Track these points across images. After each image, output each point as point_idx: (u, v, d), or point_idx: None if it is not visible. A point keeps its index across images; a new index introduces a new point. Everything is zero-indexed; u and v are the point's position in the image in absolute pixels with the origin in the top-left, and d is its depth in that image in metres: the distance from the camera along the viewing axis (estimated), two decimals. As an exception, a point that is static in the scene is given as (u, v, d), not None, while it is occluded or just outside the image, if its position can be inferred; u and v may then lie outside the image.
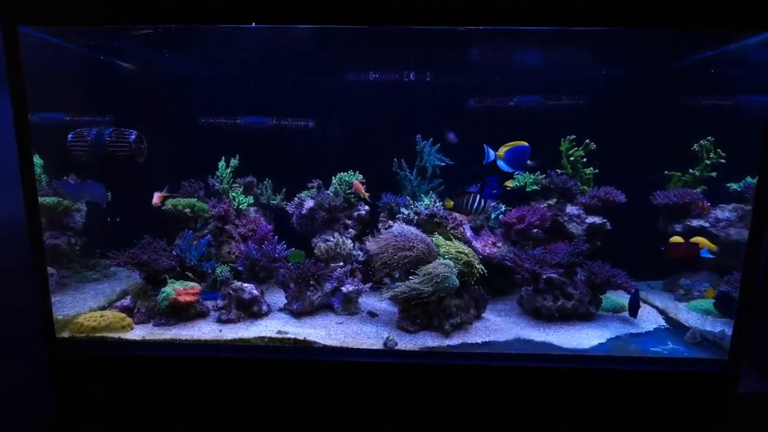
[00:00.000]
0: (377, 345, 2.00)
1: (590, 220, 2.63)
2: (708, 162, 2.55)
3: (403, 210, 2.50)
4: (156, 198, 2.38)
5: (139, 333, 2.08)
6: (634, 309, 2.23)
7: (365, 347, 1.99)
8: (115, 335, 2.05)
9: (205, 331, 2.11)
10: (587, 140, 2.66)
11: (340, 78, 2.83)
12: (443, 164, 2.68)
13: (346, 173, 2.66)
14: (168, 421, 1.92)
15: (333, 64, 2.79)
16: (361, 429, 1.90)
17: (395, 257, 2.09)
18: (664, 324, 2.30)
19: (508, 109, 2.87)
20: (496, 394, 1.87)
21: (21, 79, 1.81)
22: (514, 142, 2.19)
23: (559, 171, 2.74)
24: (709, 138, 2.55)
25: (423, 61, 2.79)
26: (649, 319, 2.35)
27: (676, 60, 2.53)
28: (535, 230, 2.60)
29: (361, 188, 2.53)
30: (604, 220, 2.62)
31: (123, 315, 2.12)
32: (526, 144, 2.18)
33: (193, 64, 2.58)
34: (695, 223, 2.51)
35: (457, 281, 2.04)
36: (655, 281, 2.79)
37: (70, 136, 2.26)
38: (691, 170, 2.60)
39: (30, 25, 1.86)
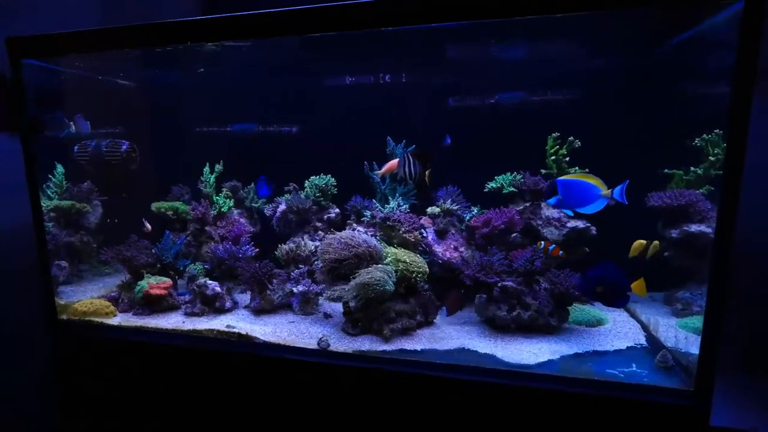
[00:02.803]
0: (315, 345, 2.04)
1: (572, 224, 2.40)
2: (713, 158, 2.19)
3: (366, 213, 2.51)
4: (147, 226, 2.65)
5: (117, 320, 2.35)
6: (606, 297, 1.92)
7: (300, 346, 2.04)
8: (99, 320, 2.34)
9: (170, 321, 2.31)
10: (570, 137, 2.44)
11: (323, 84, 2.91)
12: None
13: (317, 177, 2.73)
14: (121, 400, 2.16)
15: (314, 70, 2.87)
16: (274, 424, 1.96)
17: (336, 260, 2.12)
18: (643, 343, 2.03)
19: (492, 107, 2.73)
20: (415, 404, 1.81)
21: (23, 100, 2.18)
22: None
23: (543, 171, 2.55)
24: (717, 131, 2.19)
25: (406, 62, 2.77)
26: (626, 336, 2.09)
27: (668, 42, 2.22)
28: (513, 235, 2.45)
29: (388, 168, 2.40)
30: (588, 224, 2.38)
31: (108, 303, 2.41)
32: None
33: (184, 80, 2.85)
34: (694, 228, 2.17)
35: (392, 286, 2.01)
36: (658, 293, 2.46)
37: (75, 147, 2.64)
38: (693, 168, 2.26)
39: (31, 58, 2.23)
